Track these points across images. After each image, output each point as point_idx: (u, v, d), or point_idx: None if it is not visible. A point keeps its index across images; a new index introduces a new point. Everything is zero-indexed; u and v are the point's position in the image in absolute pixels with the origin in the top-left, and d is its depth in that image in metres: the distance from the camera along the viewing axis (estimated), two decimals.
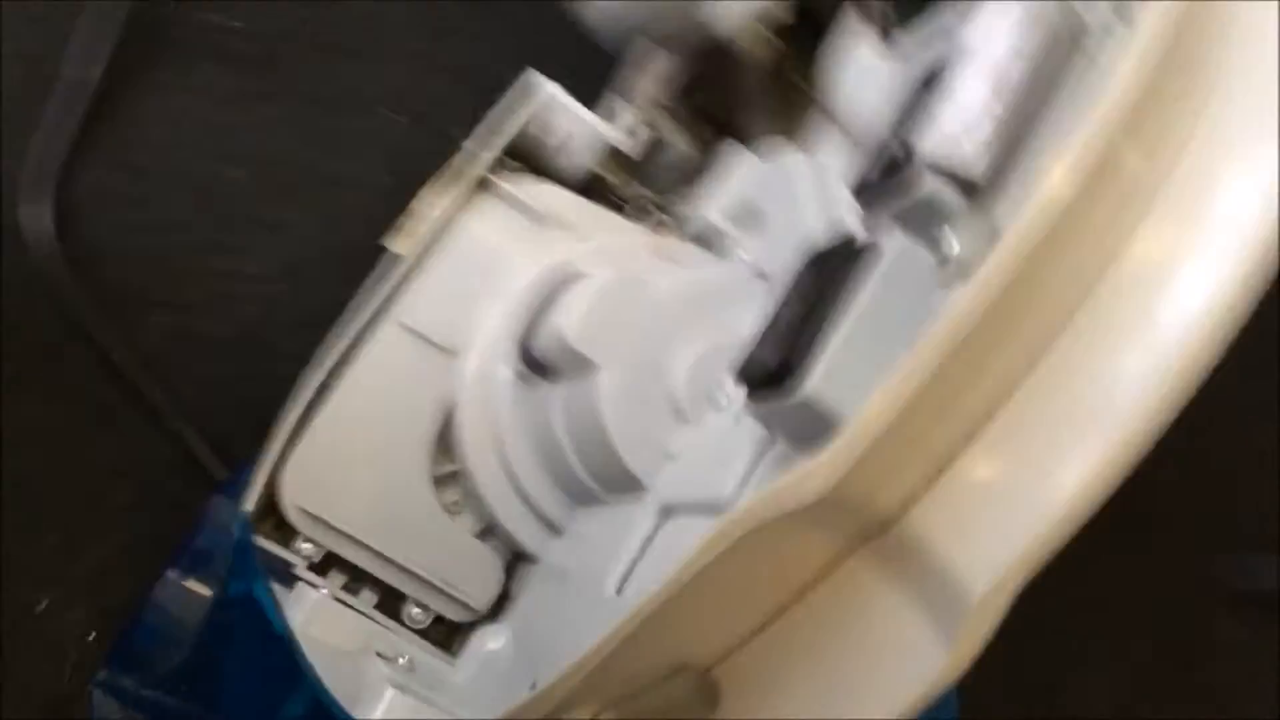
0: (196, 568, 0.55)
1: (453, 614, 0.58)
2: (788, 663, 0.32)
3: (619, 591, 0.44)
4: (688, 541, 0.42)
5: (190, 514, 0.62)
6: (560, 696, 0.33)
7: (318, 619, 0.53)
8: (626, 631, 0.31)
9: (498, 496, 0.56)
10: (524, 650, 0.50)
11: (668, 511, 0.45)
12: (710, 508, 0.41)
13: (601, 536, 0.50)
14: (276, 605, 0.52)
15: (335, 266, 0.67)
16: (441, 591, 0.57)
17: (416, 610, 0.57)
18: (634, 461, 0.48)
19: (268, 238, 0.66)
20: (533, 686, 0.45)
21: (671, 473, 0.47)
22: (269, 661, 0.53)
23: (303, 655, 0.50)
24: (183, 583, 0.55)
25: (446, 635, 0.57)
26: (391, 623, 0.56)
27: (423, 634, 0.57)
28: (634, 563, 0.45)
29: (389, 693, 0.46)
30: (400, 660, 0.52)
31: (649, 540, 0.45)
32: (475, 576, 0.58)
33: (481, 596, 0.58)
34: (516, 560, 0.58)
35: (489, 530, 0.58)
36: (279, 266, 0.66)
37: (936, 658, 0.28)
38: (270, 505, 0.56)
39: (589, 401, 0.49)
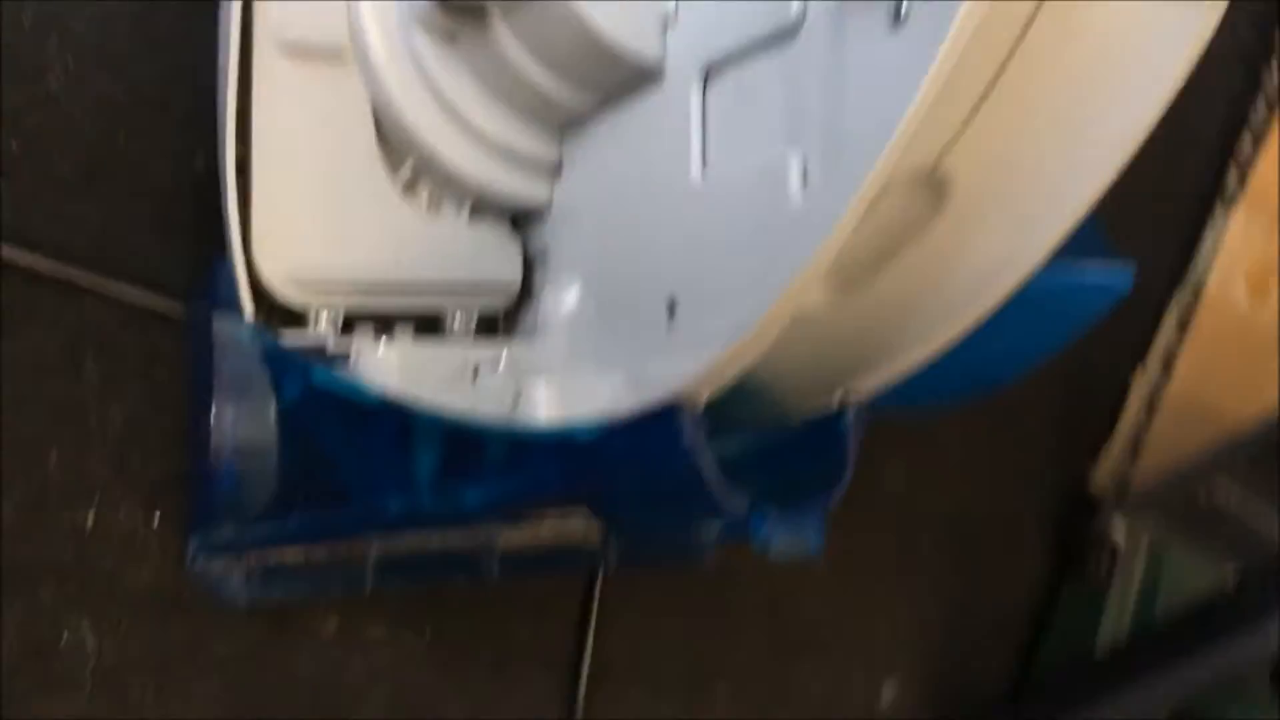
0: (235, 397, 0.50)
1: (493, 303, 0.55)
2: (1019, 114, 0.30)
3: (703, 174, 0.42)
4: (760, 86, 0.40)
5: (168, 357, 0.56)
6: (816, 274, 0.31)
7: (387, 375, 0.50)
8: (888, 170, 0.29)
9: (474, 167, 0.52)
10: (611, 288, 0.48)
11: (710, 73, 0.42)
12: (775, 36, 0.38)
13: (630, 142, 0.47)
14: (350, 379, 0.48)
15: (138, 44, 0.58)
16: (467, 290, 0.54)
17: (458, 319, 0.54)
18: (640, 49, 0.44)
19: (51, 49, 0.55)
20: (671, 305, 0.43)
21: (688, 35, 0.43)
22: (372, 436, 0.49)
23: (413, 407, 0.47)
24: (231, 417, 0.50)
25: (508, 322, 0.55)
26: (447, 342, 0.53)
27: (483, 333, 0.54)
28: (704, 139, 0.42)
29: (538, 386, 0.44)
30: (499, 365, 0.50)
31: (705, 110, 0.42)
32: (489, 257, 0.55)
33: (508, 273, 0.55)
34: (520, 224, 0.55)
35: (480, 206, 0.54)
36: (87, 69, 0.56)
37: (1188, 11, 0.27)
38: (265, 299, 0.50)
39: (560, 12, 0.44)
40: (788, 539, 0.36)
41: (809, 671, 0.68)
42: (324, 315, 0.51)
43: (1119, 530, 0.72)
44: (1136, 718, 0.63)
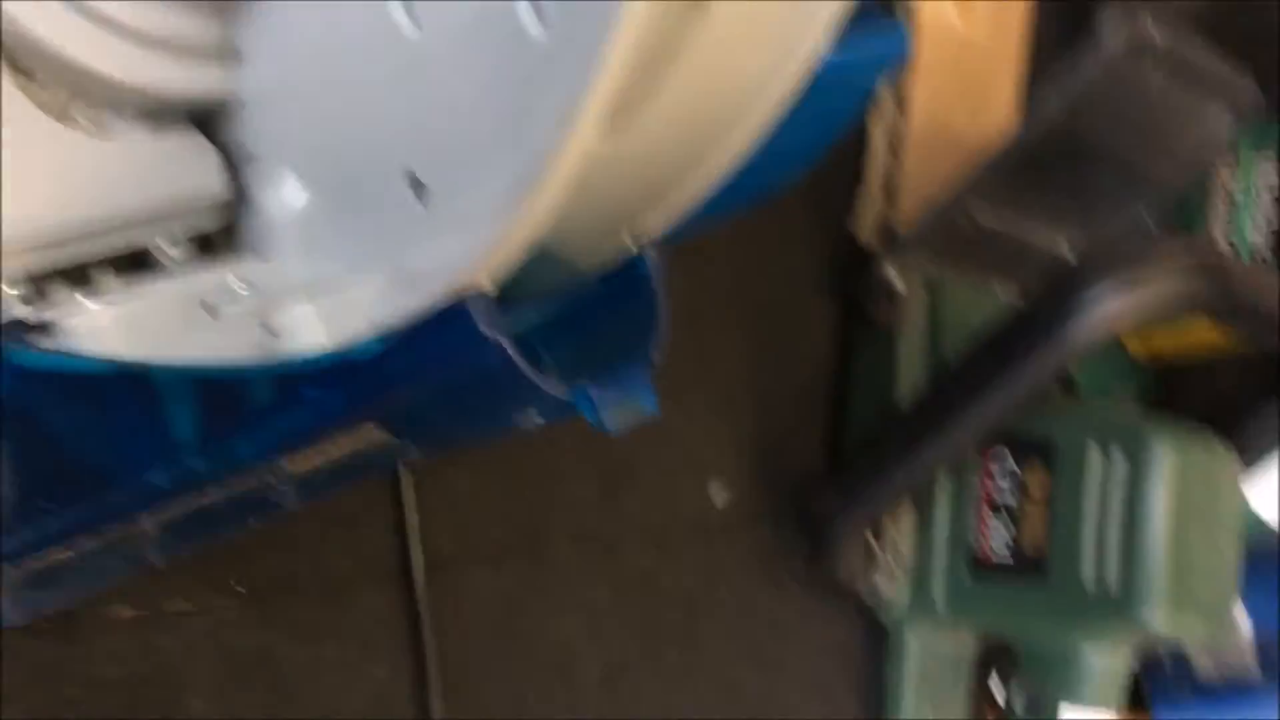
0: None
1: (203, 221, 0.47)
2: None
3: (414, 26, 0.36)
4: None
5: None
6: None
7: (104, 335, 0.43)
8: None
9: (127, 69, 0.44)
10: (337, 177, 0.42)
11: None
12: None
13: (315, 3, 0.40)
14: (60, 351, 0.41)
15: None
16: (167, 213, 0.47)
17: (168, 250, 0.47)
18: None
19: None
20: (414, 183, 0.38)
21: None
22: (109, 410, 0.43)
23: (146, 364, 0.40)
24: None
25: (229, 240, 0.48)
26: (164, 279, 0.46)
27: (202, 258, 0.47)
28: None
29: (289, 309, 0.38)
30: (234, 293, 0.43)
31: None
32: (181, 170, 0.47)
33: (209, 183, 0.47)
34: (211, 124, 0.47)
35: (154, 113, 0.46)
36: None
37: None
38: None
39: None
40: (620, 407, 0.33)
41: (639, 500, 0.66)
42: (6, 286, 0.43)
43: (893, 276, 0.72)
44: (951, 456, 0.65)
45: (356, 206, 0.42)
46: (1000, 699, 0.78)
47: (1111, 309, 0.57)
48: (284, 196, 0.45)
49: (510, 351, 0.31)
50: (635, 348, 0.34)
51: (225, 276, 0.44)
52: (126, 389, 0.41)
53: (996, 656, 0.75)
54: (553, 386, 0.32)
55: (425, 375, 0.34)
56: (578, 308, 0.36)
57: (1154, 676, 0.80)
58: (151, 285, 0.45)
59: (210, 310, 0.43)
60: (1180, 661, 0.80)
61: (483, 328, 0.31)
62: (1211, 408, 0.79)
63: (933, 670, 0.73)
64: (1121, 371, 0.81)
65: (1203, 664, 0.80)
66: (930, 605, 0.70)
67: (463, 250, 0.33)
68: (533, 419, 0.35)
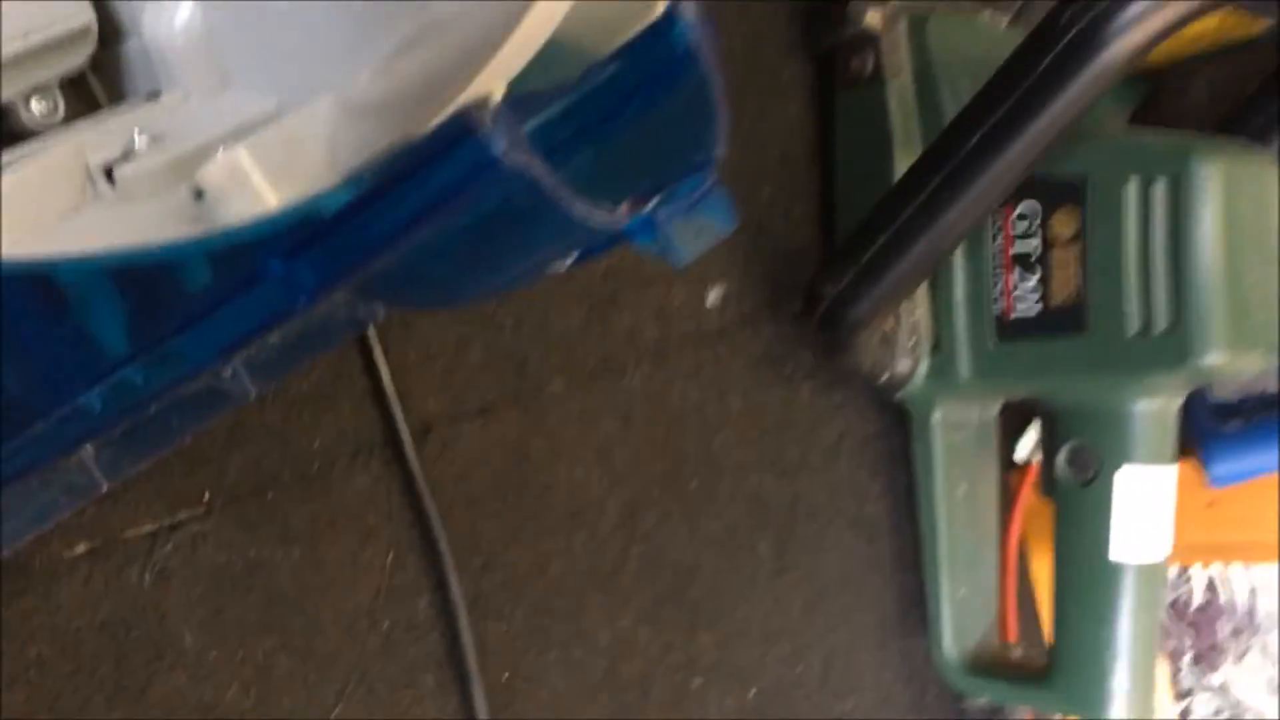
0: None
1: (71, 64, 0.37)
2: None
3: None
4: None
5: None
6: None
7: None
8: None
9: None
10: None
11: None
12: None
13: None
14: None
15: None
16: (25, 59, 0.37)
17: (35, 105, 0.37)
18: None
19: None
20: None
21: None
22: (14, 323, 0.34)
23: (43, 260, 0.31)
24: None
25: (109, 84, 0.38)
26: (40, 143, 0.36)
27: (83, 111, 0.37)
28: None
29: (217, 164, 0.29)
30: (137, 142, 0.34)
31: None
32: (32, 3, 0.37)
33: (71, 14, 0.37)
34: None
35: None
36: None
37: None
38: None
39: None
40: (693, 229, 0.25)
41: (630, 318, 0.59)
42: None
43: (870, 17, 0.63)
44: (977, 217, 0.58)
45: (272, 14, 0.32)
46: (1022, 457, 0.74)
47: (1155, 16, 0.49)
48: (171, 18, 0.35)
49: (544, 178, 0.23)
50: (689, 149, 0.26)
51: (121, 129, 0.35)
52: (32, 298, 0.32)
53: (1030, 420, 0.70)
54: (602, 216, 0.24)
55: (420, 226, 0.26)
56: (598, 106, 0.28)
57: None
58: (28, 151, 0.35)
59: (109, 175, 0.33)
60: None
61: (500, 152, 0.23)
62: (1197, 112, 0.74)
63: (961, 443, 0.68)
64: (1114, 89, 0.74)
65: (1222, 386, 0.77)
66: (954, 376, 0.64)
67: (445, 52, 0.24)
68: (565, 259, 0.27)
